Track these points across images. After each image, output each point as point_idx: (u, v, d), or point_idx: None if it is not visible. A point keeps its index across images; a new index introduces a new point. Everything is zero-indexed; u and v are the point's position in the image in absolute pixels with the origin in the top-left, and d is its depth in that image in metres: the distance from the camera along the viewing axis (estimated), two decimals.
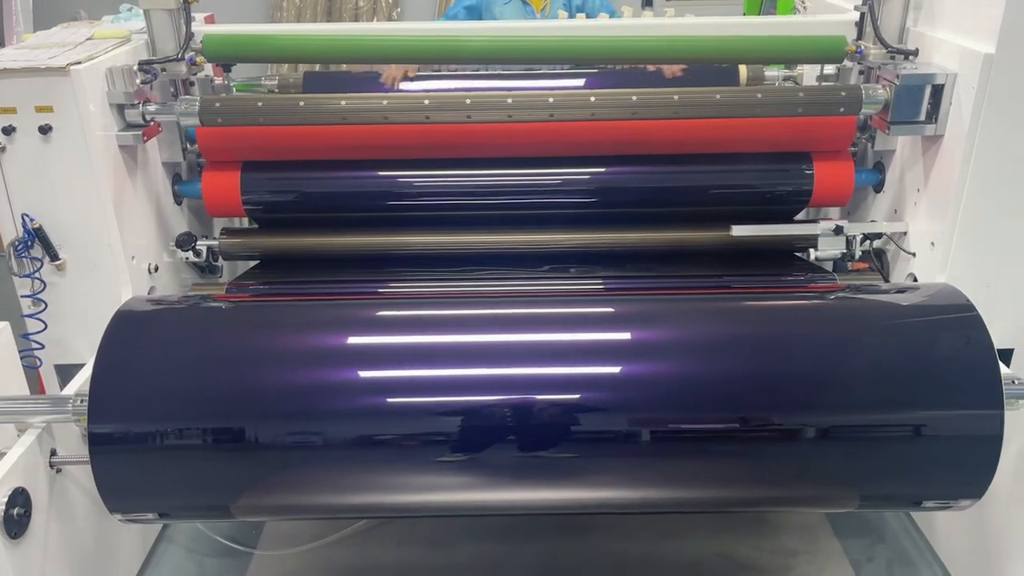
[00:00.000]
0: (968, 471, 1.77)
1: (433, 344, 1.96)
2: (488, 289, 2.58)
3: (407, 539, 2.54)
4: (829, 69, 2.85)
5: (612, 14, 3.42)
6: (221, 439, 1.77)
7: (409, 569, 2.44)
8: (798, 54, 2.75)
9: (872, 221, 2.69)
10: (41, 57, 2.22)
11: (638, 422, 1.84)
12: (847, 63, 2.66)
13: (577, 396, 1.84)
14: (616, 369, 1.88)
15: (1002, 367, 1.99)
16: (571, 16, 3.50)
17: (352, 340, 1.97)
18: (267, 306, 2.18)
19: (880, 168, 2.69)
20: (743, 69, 3.11)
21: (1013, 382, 1.85)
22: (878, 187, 2.70)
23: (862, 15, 2.55)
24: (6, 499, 1.74)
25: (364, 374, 1.88)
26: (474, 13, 3.68)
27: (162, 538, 2.55)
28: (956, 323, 1.82)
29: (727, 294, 2.08)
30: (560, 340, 1.97)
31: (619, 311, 2.05)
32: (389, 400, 1.86)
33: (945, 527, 2.37)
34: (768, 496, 1.89)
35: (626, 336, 1.95)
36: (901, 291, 2.06)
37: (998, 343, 2.33)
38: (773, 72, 3.13)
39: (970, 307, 1.82)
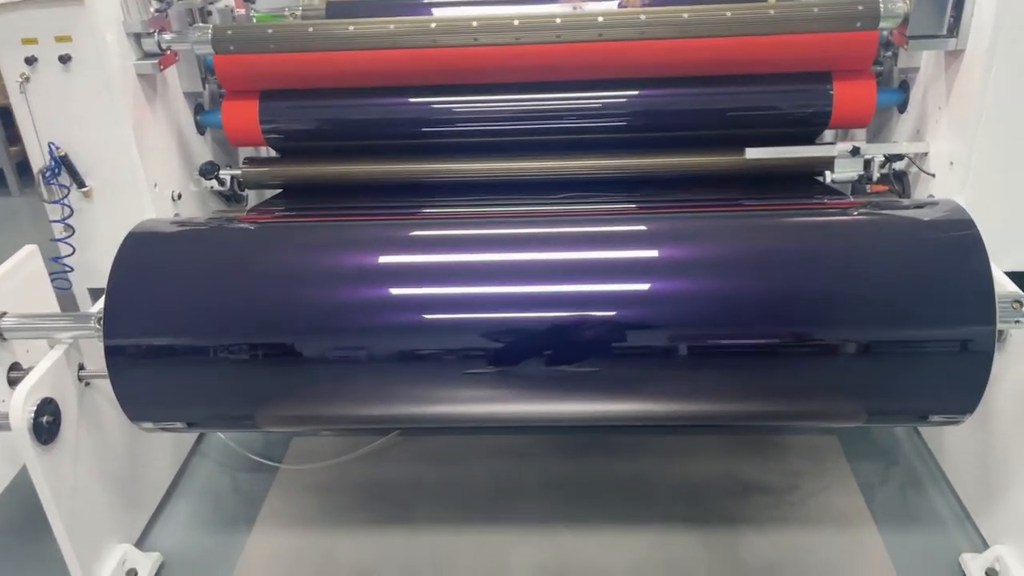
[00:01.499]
0: (960, 385, 1.76)
1: (450, 260, 1.98)
2: (503, 211, 2.60)
3: (420, 457, 2.64)
4: None
5: None
6: (230, 351, 1.84)
7: (422, 482, 2.54)
8: None
9: (894, 143, 2.63)
10: None
11: (648, 336, 1.86)
12: None
13: (589, 311, 1.87)
14: (621, 286, 1.90)
15: (1009, 286, 1.97)
16: None
17: (367, 255, 1.98)
18: (275, 224, 2.25)
19: (905, 87, 2.61)
20: None
21: (1019, 303, 1.82)
22: (902, 107, 2.63)
23: None
24: (35, 407, 1.86)
25: (378, 288, 1.91)
26: None
27: (194, 453, 2.70)
28: (953, 240, 1.79)
29: (723, 212, 2.07)
30: (566, 257, 1.98)
31: (621, 230, 2.07)
32: (402, 314, 1.89)
33: (953, 449, 2.37)
34: (762, 405, 1.92)
35: (627, 254, 1.96)
36: (897, 208, 2.03)
37: (1014, 266, 2.30)
38: None
39: (969, 223, 1.78)
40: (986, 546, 2.15)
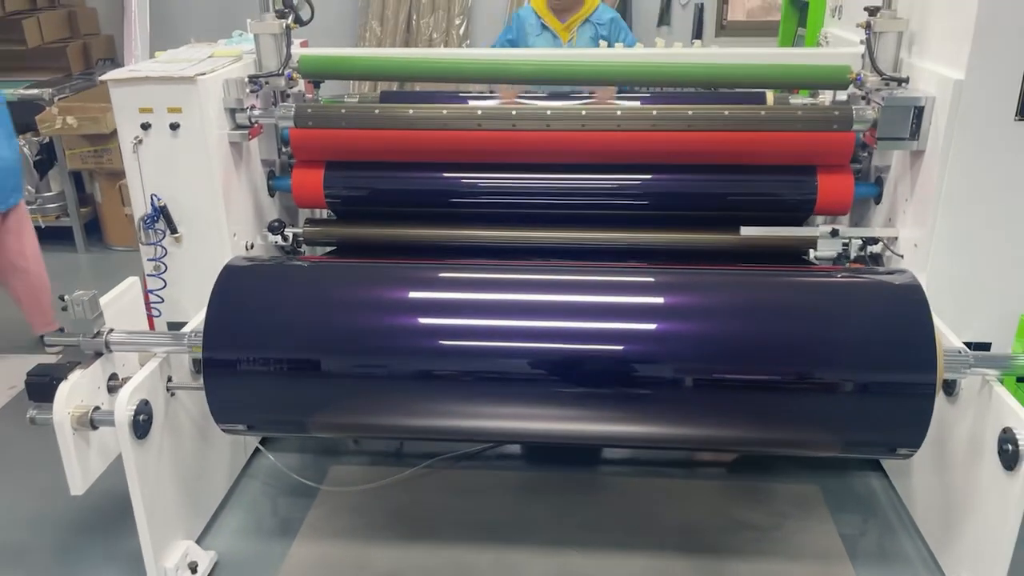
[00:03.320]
0: (910, 422, 2.11)
1: (506, 299, 2.42)
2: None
3: (445, 487, 2.97)
4: (842, 95, 3.22)
5: (630, 45, 3.84)
6: (302, 367, 2.24)
7: (447, 508, 2.86)
8: (809, 81, 3.13)
9: (869, 228, 3.02)
10: (173, 69, 2.78)
11: (646, 370, 2.27)
12: (854, 90, 3.02)
13: (605, 345, 2.29)
14: (608, 326, 2.33)
15: (955, 340, 2.33)
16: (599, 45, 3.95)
17: (428, 292, 2.44)
18: (348, 263, 2.67)
19: (879, 182, 3.02)
20: (770, 95, 3.49)
21: (959, 353, 2.19)
22: (877, 199, 3.04)
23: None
24: (135, 407, 2.24)
25: (437, 319, 2.35)
26: (513, 44, 4.17)
27: (244, 474, 3.03)
28: (901, 299, 2.16)
29: (715, 270, 2.47)
30: (597, 301, 2.40)
31: (624, 280, 2.50)
32: (443, 342, 2.32)
33: (919, 495, 2.67)
34: (748, 432, 2.27)
35: (625, 299, 2.39)
36: (859, 273, 2.42)
37: (975, 337, 2.66)
38: (799, 100, 3.50)
39: (918, 288, 2.16)
40: None
